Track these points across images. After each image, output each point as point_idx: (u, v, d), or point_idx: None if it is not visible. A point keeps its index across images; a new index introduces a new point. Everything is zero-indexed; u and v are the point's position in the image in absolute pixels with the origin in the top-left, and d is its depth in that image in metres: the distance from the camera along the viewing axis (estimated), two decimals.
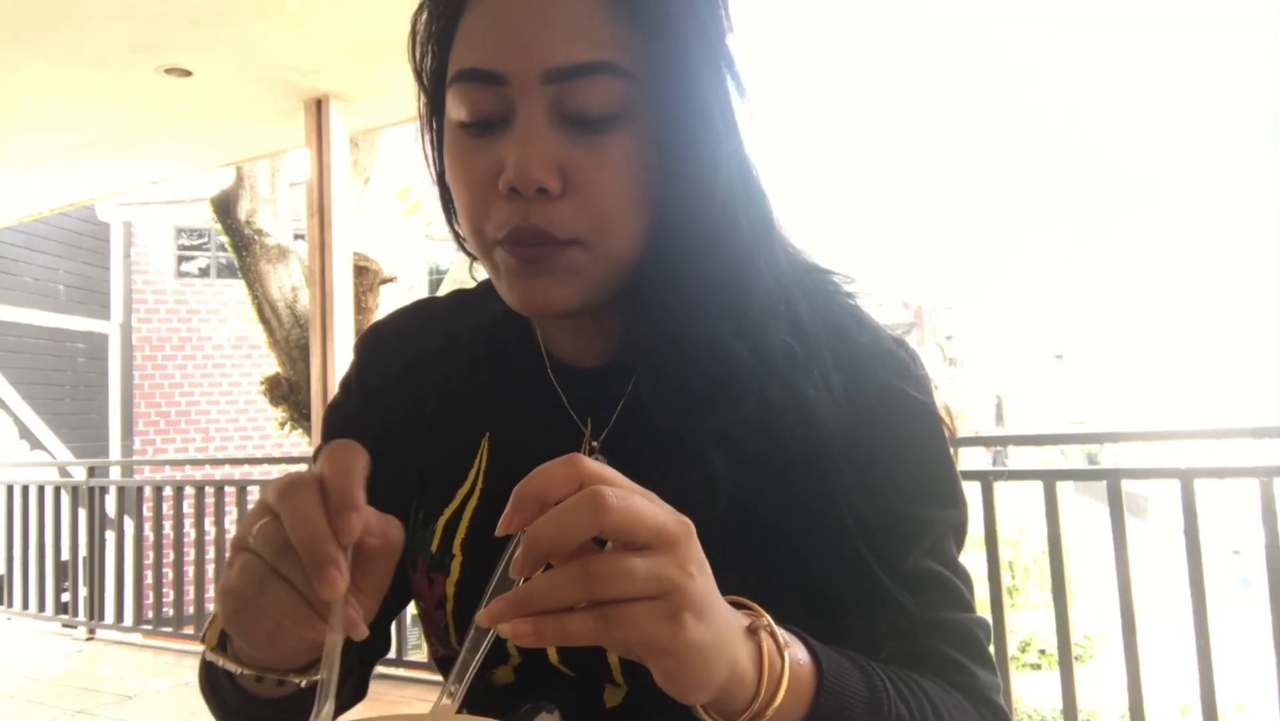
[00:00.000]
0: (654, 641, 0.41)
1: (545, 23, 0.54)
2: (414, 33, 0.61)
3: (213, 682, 0.63)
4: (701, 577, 0.42)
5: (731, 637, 0.44)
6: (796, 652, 0.48)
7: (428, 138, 0.64)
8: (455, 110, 0.57)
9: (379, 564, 0.48)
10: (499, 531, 0.41)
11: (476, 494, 0.67)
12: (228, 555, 0.48)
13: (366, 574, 0.48)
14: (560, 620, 0.40)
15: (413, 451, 0.70)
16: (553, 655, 0.61)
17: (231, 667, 0.54)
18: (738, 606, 0.47)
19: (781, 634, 0.47)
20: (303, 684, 0.53)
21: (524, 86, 0.54)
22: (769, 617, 0.47)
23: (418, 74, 0.62)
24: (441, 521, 0.67)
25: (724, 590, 0.45)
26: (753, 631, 0.46)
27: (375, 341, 0.76)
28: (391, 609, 0.75)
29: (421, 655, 3.88)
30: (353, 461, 0.45)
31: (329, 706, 0.45)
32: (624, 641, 0.41)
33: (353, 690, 0.70)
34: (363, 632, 0.46)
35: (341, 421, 0.74)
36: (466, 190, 0.58)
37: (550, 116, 0.54)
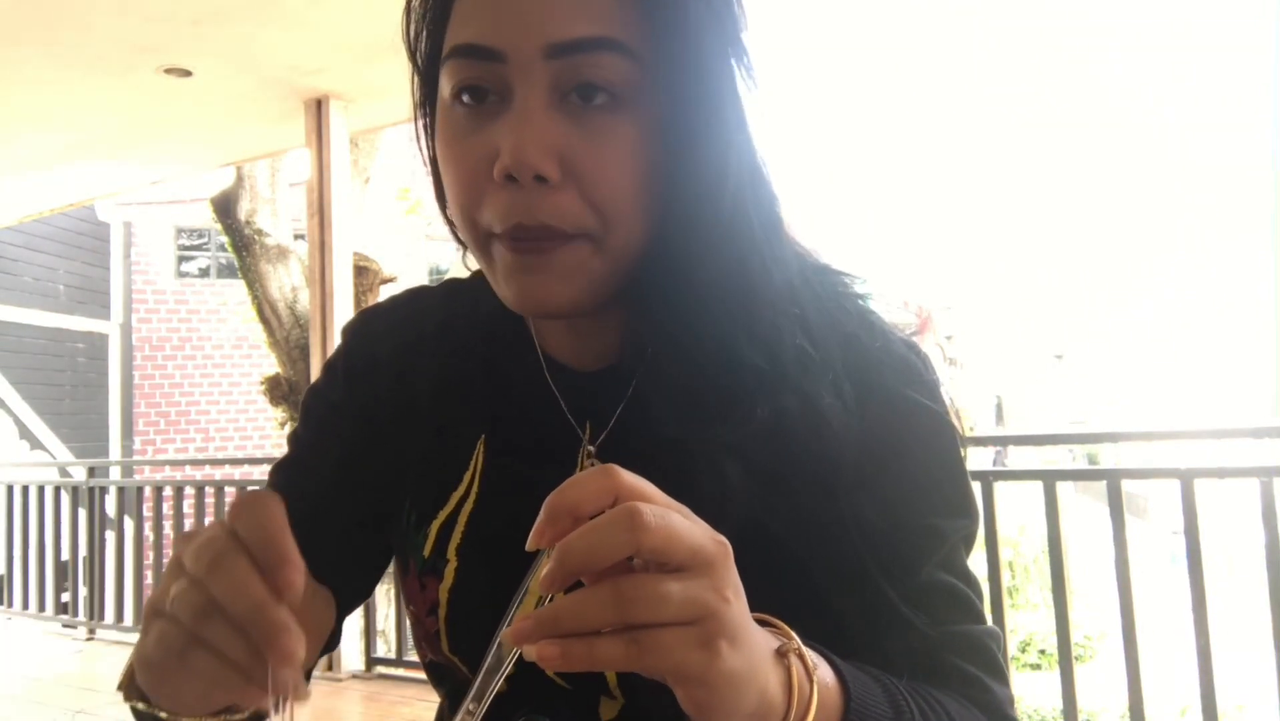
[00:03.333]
0: (687, 670, 0.39)
1: None
2: (408, 10, 0.59)
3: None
4: (737, 602, 0.40)
5: (763, 664, 0.42)
6: (824, 675, 0.46)
7: (420, 122, 0.61)
8: (448, 89, 0.54)
9: (313, 614, 0.44)
10: (530, 545, 0.39)
11: (472, 497, 0.64)
12: (142, 622, 0.43)
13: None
14: (588, 644, 0.38)
15: (402, 442, 0.68)
16: None
17: (162, 715, 0.48)
18: (762, 624, 0.45)
19: (810, 655, 0.45)
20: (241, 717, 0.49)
21: (523, 64, 0.51)
22: (798, 639, 0.45)
23: (411, 54, 0.59)
24: (435, 525, 0.65)
25: None
26: (782, 654, 0.44)
27: (365, 326, 0.73)
28: (348, 602, 0.70)
29: None
30: (274, 511, 0.41)
31: None
32: (655, 668, 0.39)
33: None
34: (304, 694, 0.41)
35: (324, 406, 0.71)
36: (459, 176, 0.55)
37: (550, 98, 0.52)
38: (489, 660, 0.42)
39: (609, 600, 0.38)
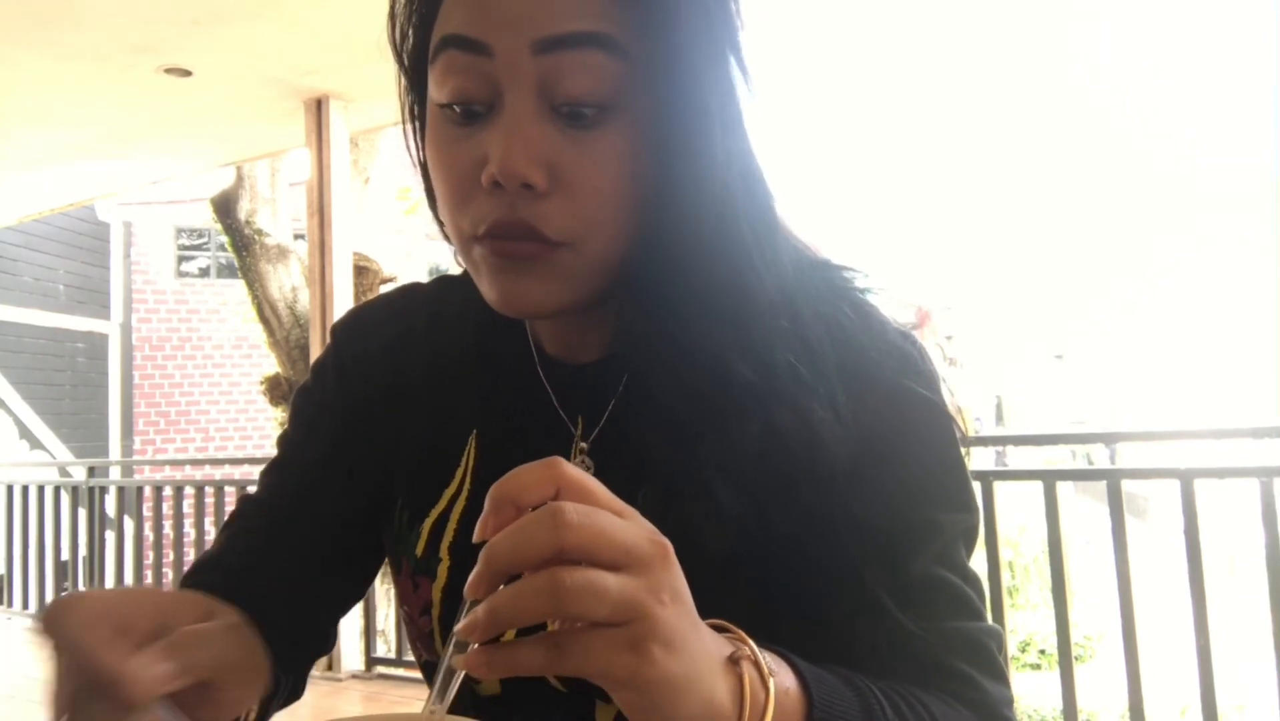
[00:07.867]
0: (614, 673, 0.38)
1: None
2: (393, 13, 0.58)
3: None
4: (674, 606, 0.38)
5: (707, 670, 0.40)
6: (784, 680, 0.44)
7: (409, 124, 0.61)
8: (437, 91, 0.54)
9: (219, 682, 0.43)
10: (475, 537, 0.39)
11: (464, 495, 0.64)
12: None
13: (206, 700, 0.43)
14: (509, 650, 0.38)
15: (393, 436, 0.67)
16: None
17: None
18: (718, 630, 0.44)
19: (767, 661, 0.43)
20: None
21: (511, 62, 0.51)
22: (752, 644, 0.43)
23: (397, 53, 0.59)
24: (428, 523, 0.64)
25: (721, 614, 0.43)
26: (734, 661, 0.42)
27: (354, 323, 0.72)
28: (340, 604, 0.71)
29: None
30: (88, 628, 0.41)
31: None
32: (580, 672, 0.38)
33: (287, 695, 0.67)
34: None
35: (312, 406, 0.70)
36: (447, 182, 0.55)
37: (539, 103, 0.51)
38: (449, 652, 0.41)
39: (545, 589, 0.37)
